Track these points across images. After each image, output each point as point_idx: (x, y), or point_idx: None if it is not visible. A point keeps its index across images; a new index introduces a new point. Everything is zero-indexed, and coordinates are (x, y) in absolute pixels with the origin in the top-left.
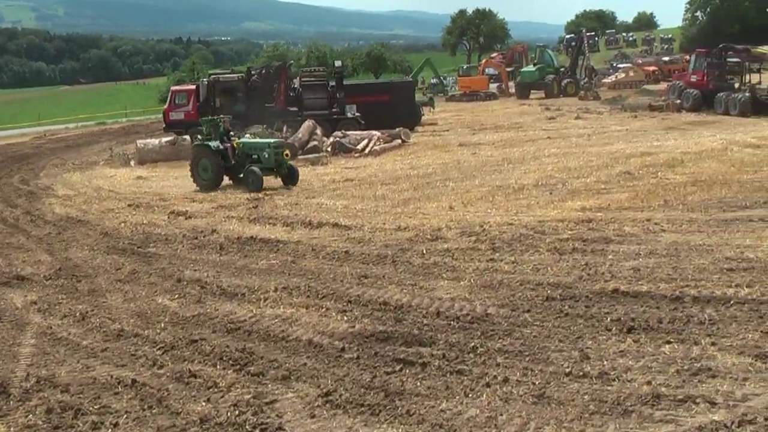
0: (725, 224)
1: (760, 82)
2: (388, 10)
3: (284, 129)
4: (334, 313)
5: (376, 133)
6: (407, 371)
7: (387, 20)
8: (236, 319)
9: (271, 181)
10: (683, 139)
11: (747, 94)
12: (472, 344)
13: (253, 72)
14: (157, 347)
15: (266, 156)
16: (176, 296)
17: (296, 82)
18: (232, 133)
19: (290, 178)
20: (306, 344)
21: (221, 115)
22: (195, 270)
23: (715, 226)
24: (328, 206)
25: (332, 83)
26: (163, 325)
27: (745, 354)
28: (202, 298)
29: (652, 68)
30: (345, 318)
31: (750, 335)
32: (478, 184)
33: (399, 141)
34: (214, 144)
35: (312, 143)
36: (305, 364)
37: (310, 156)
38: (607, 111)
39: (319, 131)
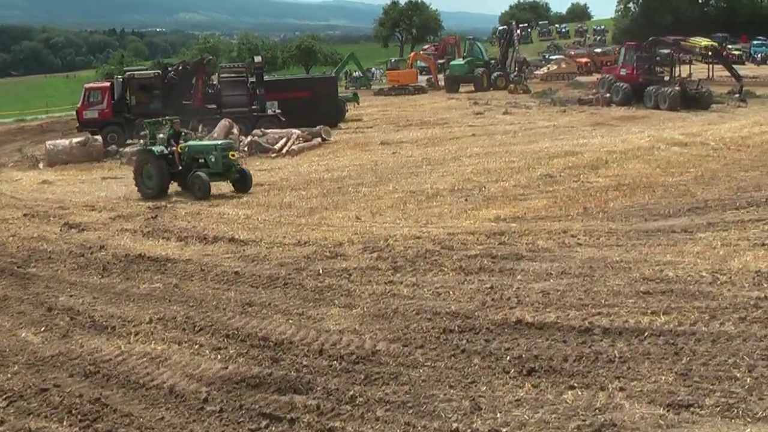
0: (646, 236)
1: (690, 75)
2: (325, 1)
3: (200, 128)
4: (207, 351)
5: (296, 132)
6: (273, 428)
7: (323, 11)
8: (100, 358)
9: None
10: (610, 136)
11: (677, 88)
12: (352, 392)
13: (169, 69)
14: (3, 397)
15: (213, 159)
16: (42, 329)
17: (215, 79)
18: (185, 133)
19: (242, 183)
20: (167, 393)
21: (169, 116)
22: (71, 296)
23: (635, 239)
24: (229, 216)
25: (252, 79)
26: (17, 367)
27: (656, 403)
28: (69, 332)
29: (584, 60)
30: (218, 357)
31: (663, 377)
32: (392, 189)
33: (319, 140)
34: (157, 149)
35: None
36: (162, 418)
37: None
38: (536, 105)
39: (236, 130)
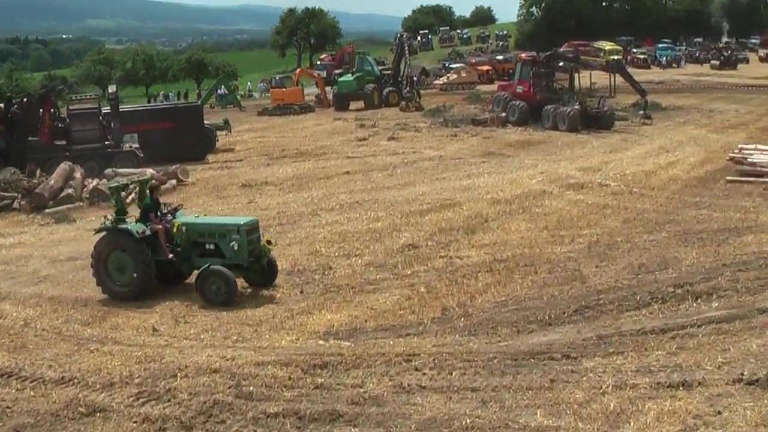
0: (514, 369)
1: (592, 85)
2: (234, 5)
3: (37, 172)
4: None
5: (150, 173)
6: None
7: (233, 15)
8: None
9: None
10: (499, 173)
11: (576, 108)
12: None
13: (13, 101)
14: None
15: (234, 246)
16: None
17: (64, 112)
18: (166, 204)
19: (268, 276)
20: None
21: (145, 173)
22: None
23: (499, 375)
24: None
25: (106, 111)
26: None
27: None
28: None
29: (485, 68)
30: None
31: None
32: None
33: (174, 182)
34: (136, 227)
35: (67, 191)
36: None
37: (60, 209)
38: (427, 126)
39: (78, 174)
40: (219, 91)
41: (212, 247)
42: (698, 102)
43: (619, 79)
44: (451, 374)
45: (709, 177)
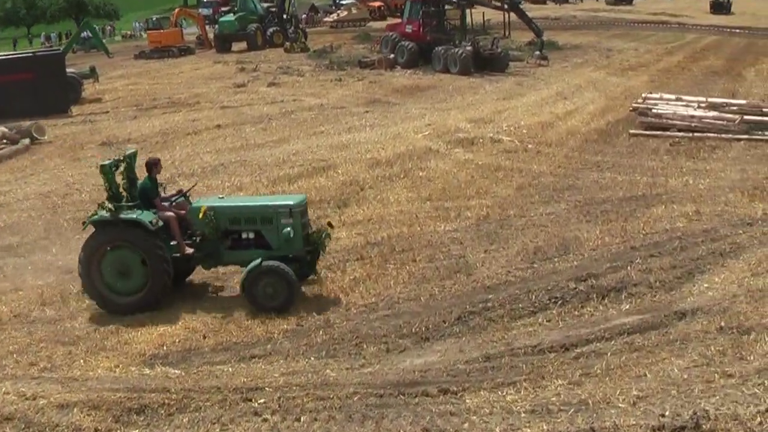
0: (376, 419)
1: (485, 26)
2: None
3: None
4: None
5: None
6: None
7: None
8: None
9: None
10: (382, 126)
11: (468, 48)
12: None
13: None
14: None
15: (289, 233)
16: None
17: None
18: (162, 185)
19: (311, 266)
20: None
21: (132, 150)
22: None
23: None
24: None
25: None
26: None
27: None
28: None
29: (377, 4)
30: None
31: None
32: (45, 265)
33: (28, 141)
34: (145, 216)
35: None
36: None
37: None
38: (311, 69)
39: None
40: (83, 35)
41: (250, 236)
42: (596, 40)
43: (513, 16)
44: (299, 420)
45: (611, 130)
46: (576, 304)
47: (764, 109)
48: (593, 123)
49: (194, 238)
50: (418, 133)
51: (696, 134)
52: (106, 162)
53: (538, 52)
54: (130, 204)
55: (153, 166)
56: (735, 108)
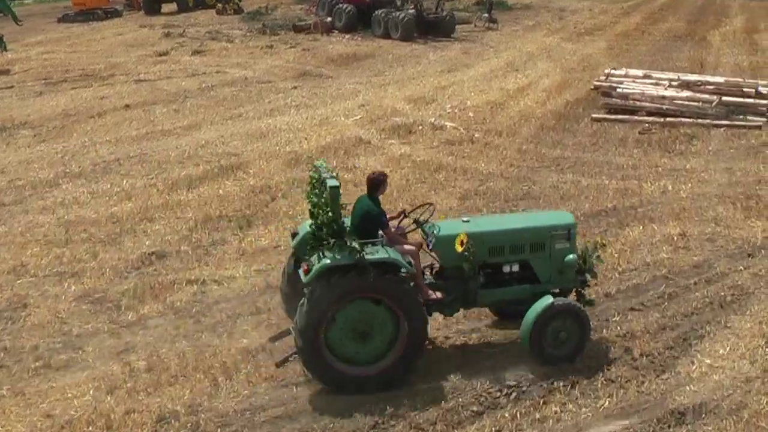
0: None
1: None
2: None
3: None
4: None
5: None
6: None
7: None
8: None
9: None
10: (310, 106)
11: (411, 12)
12: None
13: None
14: None
15: (571, 260)
16: None
17: None
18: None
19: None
20: None
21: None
22: None
23: None
24: None
25: None
26: None
27: None
28: None
29: None
30: None
31: None
32: None
33: None
34: (396, 255)
35: None
36: None
37: None
38: (242, 34)
39: None
40: None
41: (513, 268)
42: None
43: None
44: None
45: (570, 112)
46: (536, 401)
47: (745, 89)
48: (549, 103)
49: (435, 276)
50: (348, 118)
51: (668, 119)
52: (335, 182)
53: (486, 15)
54: (371, 240)
55: (380, 184)
56: (711, 87)
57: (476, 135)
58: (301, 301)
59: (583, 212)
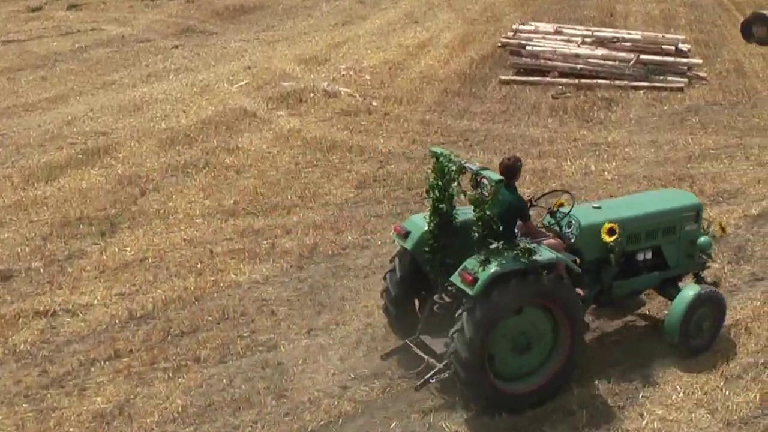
0: None
1: None
2: None
3: None
4: None
5: None
6: None
7: None
8: None
9: None
10: (191, 70)
11: None
12: None
13: None
14: None
15: (704, 242)
16: None
17: None
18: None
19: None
20: None
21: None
22: None
23: None
24: None
25: None
26: None
27: None
28: None
29: None
30: None
31: None
32: None
33: None
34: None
35: None
36: None
37: None
38: None
39: None
40: None
41: (647, 256)
42: None
43: None
44: None
45: (477, 73)
46: None
47: (664, 46)
48: (453, 62)
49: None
50: (233, 84)
51: (583, 80)
52: (498, 176)
53: None
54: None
55: (518, 170)
56: (628, 45)
57: (374, 103)
58: (463, 314)
59: None
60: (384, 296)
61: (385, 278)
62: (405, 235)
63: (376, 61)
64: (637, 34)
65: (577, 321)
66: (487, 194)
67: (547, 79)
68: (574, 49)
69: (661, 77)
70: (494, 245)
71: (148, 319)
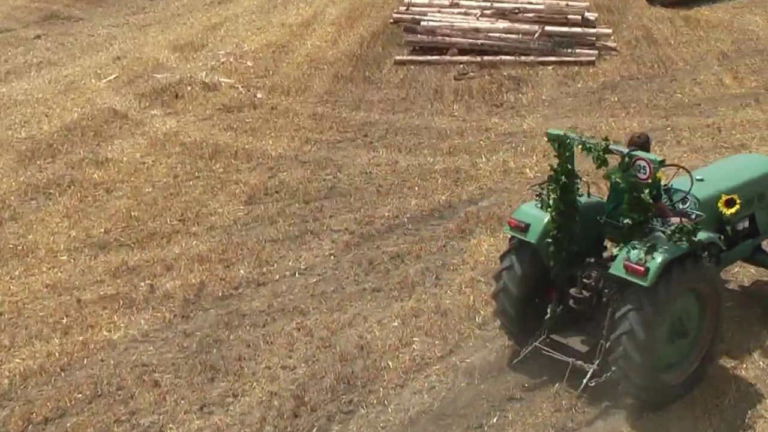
0: None
1: None
2: None
3: None
4: None
5: None
6: None
7: None
8: None
9: None
10: (54, 64)
11: None
12: None
13: None
14: None
15: None
16: None
17: None
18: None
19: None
20: None
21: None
22: None
23: None
24: None
25: None
26: None
27: None
28: None
29: None
30: None
31: None
32: None
33: None
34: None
35: None
36: None
37: None
38: None
39: None
40: None
41: (745, 224)
42: None
43: None
44: None
45: (369, 53)
46: None
47: (569, 16)
48: (342, 41)
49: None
50: (101, 78)
51: (486, 58)
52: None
53: None
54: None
55: (650, 146)
56: (531, 16)
57: (258, 95)
58: (629, 309)
59: (410, 214)
60: (500, 298)
61: (498, 278)
62: (524, 228)
63: (257, 44)
64: (539, 4)
65: (721, 303)
66: (643, 177)
67: (447, 57)
68: (473, 23)
69: (570, 50)
70: (655, 230)
71: (3, 402)
